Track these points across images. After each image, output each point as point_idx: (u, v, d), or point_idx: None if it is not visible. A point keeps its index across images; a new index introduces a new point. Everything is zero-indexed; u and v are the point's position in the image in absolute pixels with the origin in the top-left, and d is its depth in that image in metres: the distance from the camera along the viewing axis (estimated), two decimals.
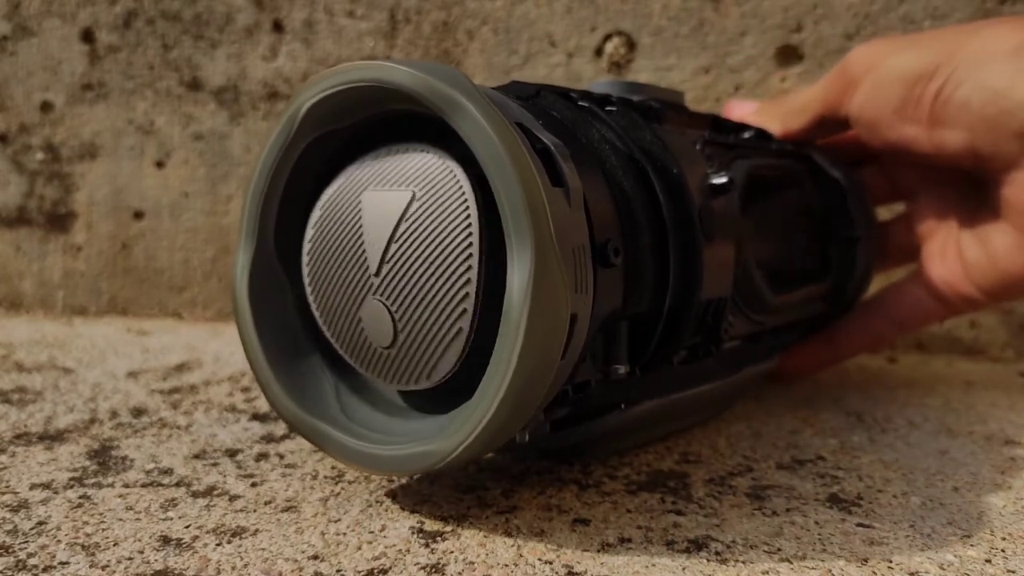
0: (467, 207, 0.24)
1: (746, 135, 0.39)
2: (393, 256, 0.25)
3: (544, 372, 0.23)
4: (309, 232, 0.27)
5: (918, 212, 0.44)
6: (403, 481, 0.31)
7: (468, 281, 0.24)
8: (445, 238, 0.24)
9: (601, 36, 0.59)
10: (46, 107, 0.69)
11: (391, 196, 0.25)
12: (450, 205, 0.24)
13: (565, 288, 0.23)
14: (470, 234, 0.24)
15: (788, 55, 0.57)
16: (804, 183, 0.42)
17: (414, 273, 0.25)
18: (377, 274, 0.26)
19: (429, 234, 0.25)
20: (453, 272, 0.24)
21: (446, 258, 0.24)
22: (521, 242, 0.22)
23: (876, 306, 0.44)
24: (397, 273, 0.25)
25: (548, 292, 0.22)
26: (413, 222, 0.25)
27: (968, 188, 0.41)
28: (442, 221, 0.24)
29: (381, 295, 0.26)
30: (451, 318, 0.25)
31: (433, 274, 0.25)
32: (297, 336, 0.29)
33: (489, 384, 0.23)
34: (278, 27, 0.64)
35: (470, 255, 0.24)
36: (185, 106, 0.66)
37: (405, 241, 0.25)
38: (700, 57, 0.58)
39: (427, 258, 0.25)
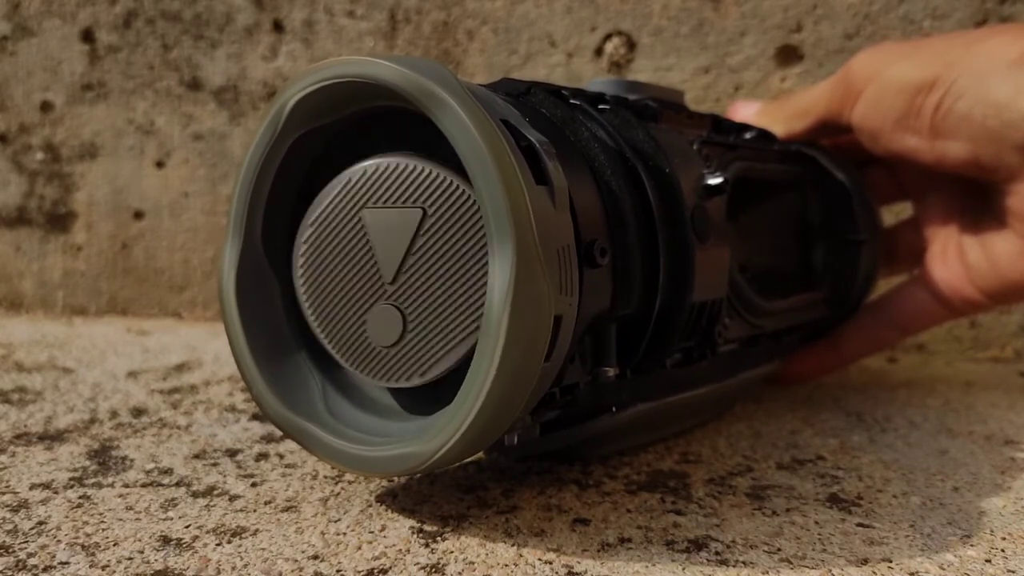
0: (480, 217, 0.24)
1: (747, 136, 0.39)
2: (411, 267, 0.25)
3: (527, 374, 0.23)
4: (302, 247, 0.27)
5: (924, 214, 0.44)
6: (403, 481, 0.31)
7: (486, 284, 0.24)
8: (464, 249, 0.24)
9: (601, 36, 0.59)
10: (46, 107, 0.69)
11: (399, 213, 0.25)
12: (465, 218, 0.24)
13: (548, 289, 0.22)
14: (486, 243, 0.24)
15: (788, 55, 0.57)
16: (806, 186, 0.42)
17: (434, 281, 0.25)
18: (393, 283, 0.25)
19: (449, 247, 0.24)
20: (473, 277, 0.24)
21: (465, 264, 0.24)
22: (502, 241, 0.22)
23: (879, 309, 0.44)
24: (416, 282, 0.25)
25: (530, 293, 0.22)
26: (430, 237, 0.25)
27: (972, 190, 0.41)
28: (459, 234, 0.24)
29: (395, 300, 0.25)
30: (468, 320, 0.24)
31: (455, 281, 0.25)
32: (284, 334, 0.29)
33: (470, 386, 0.23)
34: (278, 27, 0.64)
35: (488, 262, 0.24)
36: (185, 106, 0.66)
37: (424, 254, 0.25)
38: (700, 57, 0.58)
39: (447, 267, 0.25)
